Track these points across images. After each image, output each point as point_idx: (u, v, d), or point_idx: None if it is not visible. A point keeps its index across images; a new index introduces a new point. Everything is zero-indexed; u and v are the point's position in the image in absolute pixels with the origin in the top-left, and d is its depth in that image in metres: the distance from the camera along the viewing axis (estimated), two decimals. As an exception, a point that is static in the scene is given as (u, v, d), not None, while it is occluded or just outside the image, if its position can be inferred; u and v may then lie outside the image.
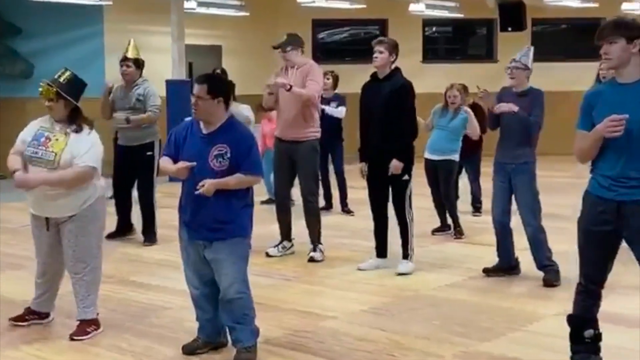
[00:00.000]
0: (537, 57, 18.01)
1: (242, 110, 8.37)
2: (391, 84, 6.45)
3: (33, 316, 5.23)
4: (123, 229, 8.01)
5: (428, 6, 14.94)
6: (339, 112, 9.22)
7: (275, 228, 7.35)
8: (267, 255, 7.15)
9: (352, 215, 9.31)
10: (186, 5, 12.95)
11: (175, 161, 4.52)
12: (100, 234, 5.08)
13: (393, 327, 5.21)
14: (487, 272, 6.46)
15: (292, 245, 7.36)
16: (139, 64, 7.71)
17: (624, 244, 4.03)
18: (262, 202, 9.27)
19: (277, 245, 7.29)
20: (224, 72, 9.65)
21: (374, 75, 6.60)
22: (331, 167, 9.53)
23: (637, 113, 3.79)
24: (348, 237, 8.11)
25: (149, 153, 7.71)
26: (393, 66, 6.52)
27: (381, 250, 6.77)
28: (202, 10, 13.54)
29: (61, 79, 4.89)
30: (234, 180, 4.40)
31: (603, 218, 3.95)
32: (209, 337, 4.71)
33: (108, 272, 6.67)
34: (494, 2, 12.95)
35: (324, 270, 6.82)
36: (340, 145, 9.45)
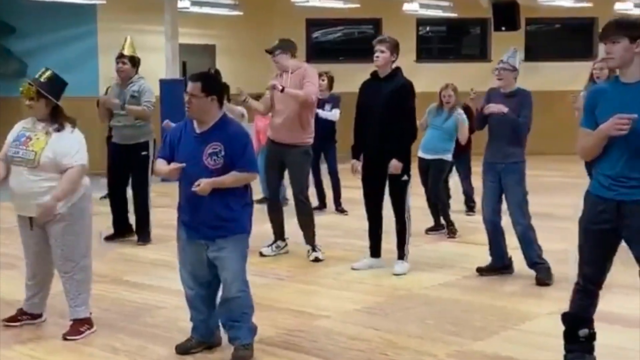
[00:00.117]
0: (531, 57, 18.13)
1: (235, 108, 8.36)
2: (392, 83, 6.43)
3: (25, 317, 5.22)
4: (122, 231, 7.96)
5: (422, 5, 14.95)
6: (332, 115, 9.21)
7: (269, 227, 7.36)
8: (261, 254, 7.16)
9: (346, 214, 9.32)
10: (180, 4, 12.94)
11: (170, 162, 4.52)
12: (89, 231, 5.06)
13: (386, 326, 5.21)
14: (481, 271, 6.48)
15: (286, 244, 7.37)
16: (134, 61, 7.70)
17: (623, 244, 4.04)
18: (257, 202, 9.25)
19: (270, 245, 7.30)
20: (217, 72, 9.64)
21: (374, 74, 6.58)
22: (324, 167, 9.53)
23: (638, 113, 3.80)
24: (342, 236, 8.12)
25: (143, 153, 7.69)
26: (394, 65, 6.52)
27: (375, 250, 6.78)
28: (196, 9, 13.54)
29: (41, 78, 4.90)
30: (230, 179, 4.41)
31: (603, 217, 3.97)
32: (203, 336, 4.71)
33: (102, 271, 6.68)
34: (488, 2, 12.97)
35: (317, 269, 6.82)
36: (333, 146, 9.45)
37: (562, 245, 7.39)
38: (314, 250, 7.11)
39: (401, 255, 6.65)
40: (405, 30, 15.66)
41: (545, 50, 17.41)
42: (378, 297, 5.91)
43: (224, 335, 4.75)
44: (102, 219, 8.13)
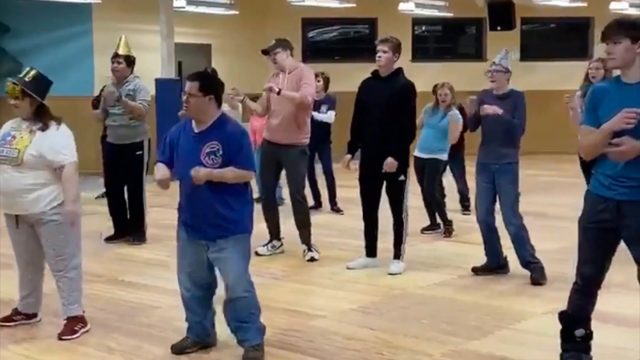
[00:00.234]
0: (527, 56, 18.09)
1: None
2: (394, 83, 6.43)
3: (20, 317, 5.22)
4: (123, 232, 7.90)
5: (417, 5, 14.95)
6: (328, 117, 9.21)
7: (264, 227, 7.35)
8: (257, 254, 7.14)
9: (342, 214, 9.32)
10: (175, 3, 12.92)
11: (170, 165, 4.52)
12: (78, 229, 5.06)
13: (382, 325, 5.22)
14: (476, 271, 6.49)
15: (282, 244, 7.36)
16: (130, 60, 7.69)
17: (622, 244, 4.04)
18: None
19: (266, 244, 7.30)
20: (214, 71, 9.62)
21: (375, 74, 6.57)
22: (319, 167, 9.52)
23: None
24: (337, 236, 8.12)
25: (138, 152, 7.68)
26: (395, 66, 6.51)
27: (371, 249, 6.78)
28: (192, 8, 13.52)
29: (26, 78, 4.92)
30: (228, 174, 4.37)
31: (602, 217, 3.97)
32: (198, 337, 4.71)
33: (97, 271, 6.68)
34: (484, 2, 12.98)
35: (313, 269, 6.82)
36: (328, 146, 9.44)
37: (557, 245, 7.42)
38: (309, 249, 7.11)
39: (397, 254, 6.65)
40: (400, 29, 15.62)
41: (540, 49, 17.44)
42: (374, 297, 5.91)
43: (220, 335, 4.75)
44: (101, 219, 8.13)
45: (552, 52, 17.32)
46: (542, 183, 11.83)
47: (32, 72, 4.96)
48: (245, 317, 4.51)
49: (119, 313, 5.53)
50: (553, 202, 10.24)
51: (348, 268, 6.73)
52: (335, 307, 5.67)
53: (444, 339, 4.95)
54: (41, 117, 4.89)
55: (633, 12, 14.37)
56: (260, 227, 7.41)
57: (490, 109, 6.09)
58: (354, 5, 14.70)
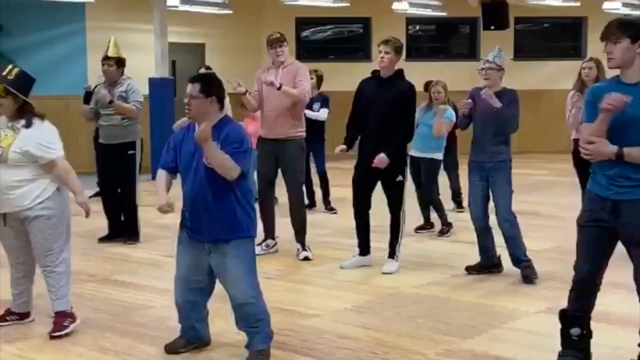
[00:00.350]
0: (520, 56, 18.09)
1: None
2: (396, 85, 6.41)
3: (13, 317, 5.21)
4: (116, 233, 7.88)
5: (412, 5, 14.97)
6: (320, 115, 9.20)
7: (259, 226, 7.33)
8: (251, 253, 7.13)
9: (335, 213, 9.32)
10: (169, 2, 12.90)
11: (174, 168, 4.49)
12: (67, 224, 5.06)
13: (376, 325, 5.22)
14: (470, 270, 6.50)
15: (276, 243, 7.36)
16: (120, 62, 7.67)
17: (620, 245, 4.05)
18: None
19: (260, 244, 7.28)
20: (208, 68, 9.62)
21: (375, 74, 6.55)
22: (313, 166, 9.51)
23: (637, 113, 3.81)
24: (331, 235, 8.12)
25: (130, 152, 7.67)
26: (396, 67, 6.51)
27: (364, 248, 6.78)
28: (185, 7, 13.50)
29: (9, 76, 4.90)
30: (221, 158, 4.23)
31: (599, 216, 3.98)
32: (191, 338, 4.70)
33: (90, 270, 6.68)
34: (477, 1, 12.99)
35: (307, 268, 6.82)
36: (322, 145, 9.43)
37: (549, 244, 7.45)
38: (303, 249, 7.10)
39: (392, 254, 6.65)
40: (394, 29, 15.65)
41: (534, 49, 17.48)
42: (367, 296, 5.92)
43: (215, 334, 4.75)
44: (95, 218, 8.10)
45: (546, 51, 17.38)
46: (533, 182, 11.86)
47: (15, 70, 4.94)
48: (253, 322, 4.48)
49: (113, 313, 5.52)
50: (544, 202, 10.27)
51: (342, 267, 6.73)
52: (329, 306, 5.67)
53: (438, 338, 4.95)
54: (25, 114, 4.89)
55: (626, 11, 14.40)
56: (254, 226, 7.42)
57: (489, 96, 6.05)
58: (348, 4, 14.70)
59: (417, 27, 17.48)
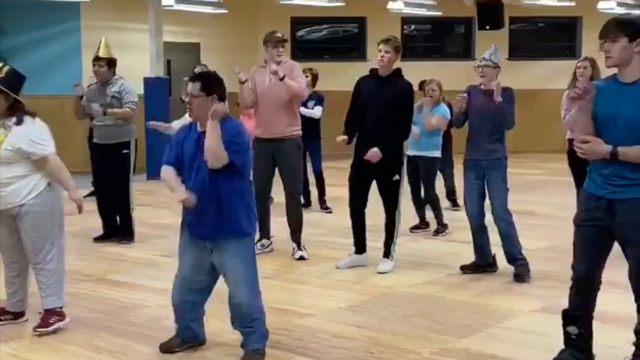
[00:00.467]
0: (515, 55, 18.08)
1: None
2: (395, 85, 6.41)
3: (8, 316, 5.20)
4: (111, 233, 7.85)
5: (407, 4, 14.98)
6: (314, 112, 9.19)
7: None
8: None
9: (331, 212, 9.32)
10: (164, 1, 12.89)
11: (176, 166, 4.48)
12: (59, 220, 5.05)
13: (371, 324, 5.22)
14: (464, 269, 6.50)
15: (271, 243, 7.36)
16: (111, 63, 7.66)
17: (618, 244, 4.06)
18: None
19: (255, 243, 7.25)
20: (204, 67, 9.60)
21: (373, 72, 6.55)
22: (309, 165, 9.51)
23: (633, 113, 3.82)
24: (326, 234, 8.13)
25: (124, 151, 7.65)
26: (394, 66, 6.52)
27: (359, 247, 6.78)
28: (180, 7, 13.49)
29: None
30: (216, 144, 4.23)
31: (595, 215, 3.99)
32: (187, 337, 4.70)
33: (85, 270, 6.67)
34: (472, 1, 13.01)
35: (302, 268, 6.82)
36: (318, 145, 9.43)
37: (543, 243, 7.46)
38: (299, 248, 7.10)
39: (387, 253, 6.65)
40: (390, 28, 15.65)
41: (528, 48, 17.51)
42: (362, 296, 5.92)
43: (210, 333, 4.75)
44: (90, 218, 8.09)
45: (540, 51, 17.41)
46: (528, 181, 11.88)
47: (5, 68, 4.95)
48: (249, 322, 4.48)
49: (108, 312, 5.51)
50: (539, 201, 10.28)
51: (337, 267, 6.73)
52: (324, 305, 5.67)
53: (433, 337, 4.95)
54: (16, 112, 4.89)
55: (621, 11, 14.43)
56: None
57: (493, 86, 6.05)
58: (343, 4, 14.71)
59: (412, 26, 17.50)
